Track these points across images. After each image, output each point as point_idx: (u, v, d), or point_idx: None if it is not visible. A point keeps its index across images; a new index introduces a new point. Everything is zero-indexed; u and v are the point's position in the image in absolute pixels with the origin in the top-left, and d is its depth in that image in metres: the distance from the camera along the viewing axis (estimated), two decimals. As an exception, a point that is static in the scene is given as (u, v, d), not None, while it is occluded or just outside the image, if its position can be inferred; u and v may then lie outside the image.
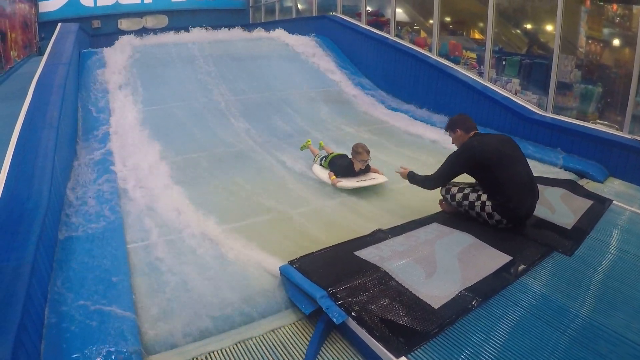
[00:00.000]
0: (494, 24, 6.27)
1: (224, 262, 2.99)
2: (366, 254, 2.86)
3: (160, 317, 2.45)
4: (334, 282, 2.53)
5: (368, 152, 4.28)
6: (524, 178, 3.25)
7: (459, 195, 3.40)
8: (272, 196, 4.10)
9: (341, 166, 4.34)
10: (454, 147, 3.58)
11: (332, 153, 4.67)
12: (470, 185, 3.44)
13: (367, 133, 6.16)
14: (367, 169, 4.41)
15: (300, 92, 7.30)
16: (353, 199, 4.11)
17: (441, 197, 3.60)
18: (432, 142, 5.83)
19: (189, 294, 2.66)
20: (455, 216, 3.49)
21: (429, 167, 4.33)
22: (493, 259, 2.88)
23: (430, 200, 3.82)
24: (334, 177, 4.28)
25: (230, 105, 6.53)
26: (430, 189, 3.54)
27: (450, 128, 3.55)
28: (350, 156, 4.43)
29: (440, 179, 3.44)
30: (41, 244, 2.50)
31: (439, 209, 3.70)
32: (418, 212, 3.71)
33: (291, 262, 2.77)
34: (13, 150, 3.43)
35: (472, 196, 3.33)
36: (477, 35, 7.67)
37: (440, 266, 2.75)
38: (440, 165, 3.49)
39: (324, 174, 4.46)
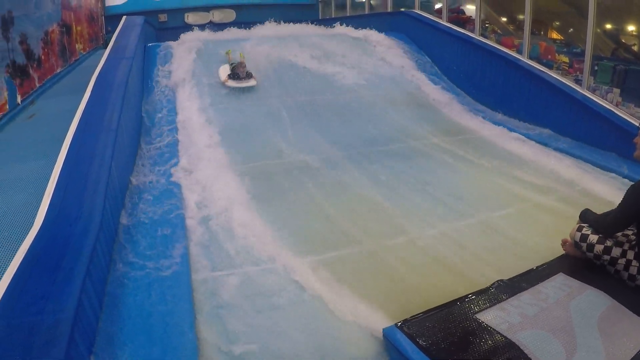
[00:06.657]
0: (595, 23, 5.33)
1: (308, 312, 2.49)
2: (491, 318, 2.26)
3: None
4: (456, 357, 1.99)
5: (244, 65, 6.28)
6: None
7: (599, 247, 2.63)
8: (360, 221, 3.53)
9: (233, 70, 6.22)
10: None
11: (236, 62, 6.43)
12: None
13: (450, 144, 5.35)
14: (250, 76, 6.21)
15: (379, 94, 6.66)
16: (456, 228, 3.44)
17: (567, 239, 2.88)
18: (521, 157, 4.98)
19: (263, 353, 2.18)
20: (582, 264, 2.79)
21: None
22: (636, 330, 2.27)
23: (543, 234, 3.26)
24: (226, 77, 6.12)
25: (304, 107, 6.05)
26: (605, 235, 2.64)
27: None
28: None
29: (617, 224, 2.57)
30: (89, 282, 2.08)
31: (555, 245, 2.99)
32: (531, 248, 3.14)
33: (399, 325, 2.21)
34: (64, 157, 3.04)
35: (616, 251, 2.57)
36: (555, 36, 6.79)
37: (580, 341, 2.14)
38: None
39: (224, 74, 6.23)
